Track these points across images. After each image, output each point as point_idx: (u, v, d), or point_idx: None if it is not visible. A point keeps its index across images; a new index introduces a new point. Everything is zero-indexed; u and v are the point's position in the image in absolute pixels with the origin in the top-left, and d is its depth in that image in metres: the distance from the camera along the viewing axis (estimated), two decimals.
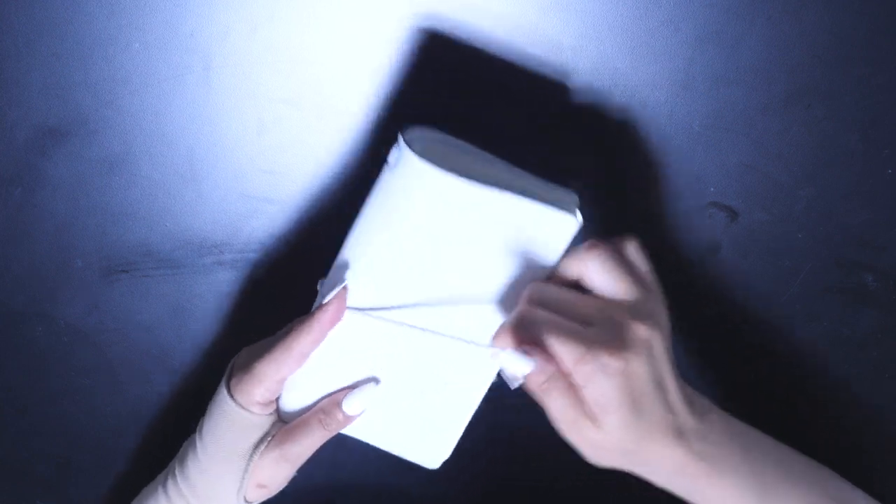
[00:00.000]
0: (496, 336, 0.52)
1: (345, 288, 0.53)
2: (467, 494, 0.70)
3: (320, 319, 0.53)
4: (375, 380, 0.55)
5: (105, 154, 0.61)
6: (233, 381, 0.55)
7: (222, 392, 0.55)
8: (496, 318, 0.53)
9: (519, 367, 0.50)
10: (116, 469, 0.70)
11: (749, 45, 0.57)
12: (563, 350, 0.48)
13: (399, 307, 0.53)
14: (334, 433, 0.56)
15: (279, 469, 0.56)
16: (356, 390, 0.55)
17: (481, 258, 0.52)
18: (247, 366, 0.55)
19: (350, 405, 0.55)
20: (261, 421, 0.55)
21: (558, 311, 0.50)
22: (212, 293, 0.64)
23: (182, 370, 0.67)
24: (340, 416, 0.55)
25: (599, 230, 0.61)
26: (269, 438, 0.56)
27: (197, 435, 0.57)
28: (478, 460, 0.69)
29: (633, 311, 0.50)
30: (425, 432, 0.58)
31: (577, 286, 0.53)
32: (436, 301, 0.53)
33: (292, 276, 0.64)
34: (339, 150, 0.61)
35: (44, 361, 0.66)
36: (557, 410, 0.51)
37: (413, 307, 0.53)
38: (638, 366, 0.49)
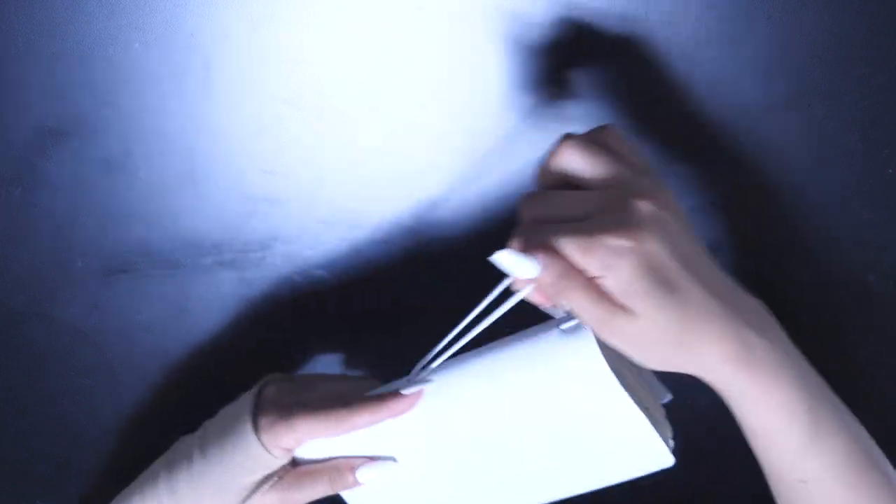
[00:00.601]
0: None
1: (422, 391, 0.52)
2: None
3: (391, 409, 0.52)
4: (394, 458, 0.54)
5: (105, 154, 0.61)
6: (263, 420, 0.54)
7: (246, 425, 0.54)
8: None
9: (523, 271, 0.44)
10: (116, 469, 0.70)
11: (749, 45, 0.57)
12: (568, 246, 0.43)
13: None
14: (336, 493, 0.55)
15: None
16: (375, 462, 0.54)
17: (565, 436, 0.51)
18: (283, 407, 0.54)
19: (364, 474, 0.54)
20: (275, 461, 0.55)
21: (554, 215, 0.45)
22: (212, 293, 0.64)
23: (182, 370, 0.67)
24: (350, 480, 0.54)
25: None
26: (274, 478, 0.55)
27: (196, 450, 0.56)
28: None
29: (632, 190, 0.45)
30: None
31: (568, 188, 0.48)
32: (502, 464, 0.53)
33: (292, 277, 0.64)
34: (340, 150, 0.61)
35: (44, 361, 0.66)
36: (585, 310, 0.45)
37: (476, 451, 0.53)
38: (651, 243, 0.43)
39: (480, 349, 0.51)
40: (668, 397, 0.53)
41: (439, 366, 0.52)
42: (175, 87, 0.59)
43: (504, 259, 0.44)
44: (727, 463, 0.66)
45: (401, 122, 0.60)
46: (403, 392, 0.52)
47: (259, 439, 0.53)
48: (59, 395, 0.68)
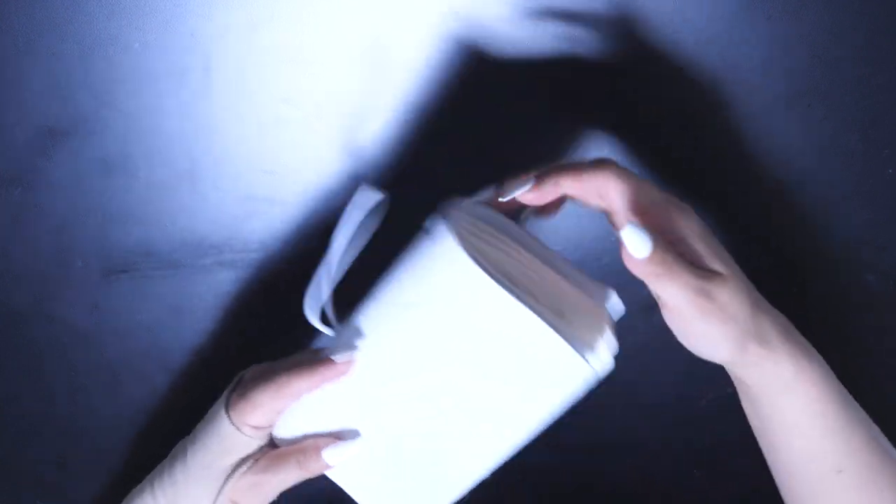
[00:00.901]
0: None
1: (353, 359, 0.52)
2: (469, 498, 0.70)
3: (323, 374, 0.52)
4: (357, 433, 0.53)
5: (105, 154, 0.61)
6: (233, 397, 0.55)
7: (220, 404, 0.55)
8: (488, 432, 0.52)
9: (639, 248, 0.45)
10: (116, 469, 0.70)
11: (749, 45, 0.57)
12: (669, 199, 0.48)
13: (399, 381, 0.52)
14: (312, 475, 0.54)
15: (253, 495, 0.55)
16: (341, 443, 0.53)
17: (490, 364, 0.50)
18: (249, 386, 0.54)
19: (330, 455, 0.53)
20: (248, 441, 0.54)
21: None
22: (212, 293, 0.64)
23: (182, 370, 0.67)
24: (319, 463, 0.54)
25: (599, 229, 0.61)
26: (250, 462, 0.55)
27: (190, 441, 0.57)
28: None
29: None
30: (410, 497, 0.55)
31: None
32: (434, 396, 0.51)
33: (292, 276, 0.64)
34: (339, 150, 0.61)
35: (44, 361, 0.66)
36: (687, 284, 0.46)
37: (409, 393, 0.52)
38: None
39: (378, 284, 0.52)
40: (612, 300, 0.51)
41: (357, 315, 0.52)
42: (175, 87, 0.59)
43: (629, 234, 0.45)
44: (726, 463, 0.66)
45: (400, 122, 0.60)
46: (334, 358, 0.52)
47: (230, 417, 0.54)
48: (59, 395, 0.68)
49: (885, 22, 0.56)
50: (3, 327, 0.65)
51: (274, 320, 0.65)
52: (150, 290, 0.64)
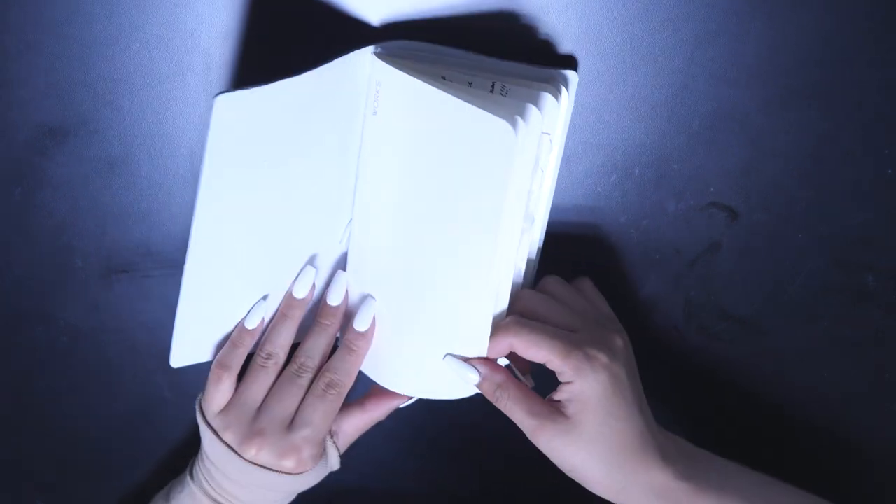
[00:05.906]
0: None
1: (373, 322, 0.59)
2: (467, 499, 0.70)
3: (362, 351, 0.59)
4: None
5: (105, 154, 0.61)
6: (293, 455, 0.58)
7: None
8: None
9: (466, 376, 0.54)
10: (116, 469, 0.70)
11: (749, 45, 0.57)
12: (556, 346, 0.51)
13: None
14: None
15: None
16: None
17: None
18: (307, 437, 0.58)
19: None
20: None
21: (545, 314, 0.54)
22: None
23: (182, 370, 0.67)
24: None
25: (598, 229, 0.61)
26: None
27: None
28: (477, 464, 0.69)
29: (607, 327, 0.55)
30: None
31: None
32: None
33: None
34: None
35: (44, 361, 0.66)
36: (518, 420, 0.53)
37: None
38: (619, 369, 0.52)
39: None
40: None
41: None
42: (175, 86, 0.59)
43: (451, 363, 0.54)
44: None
45: None
46: (357, 328, 0.58)
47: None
48: (59, 395, 0.68)
49: (885, 22, 0.56)
50: (3, 327, 0.65)
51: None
52: (150, 290, 0.64)
